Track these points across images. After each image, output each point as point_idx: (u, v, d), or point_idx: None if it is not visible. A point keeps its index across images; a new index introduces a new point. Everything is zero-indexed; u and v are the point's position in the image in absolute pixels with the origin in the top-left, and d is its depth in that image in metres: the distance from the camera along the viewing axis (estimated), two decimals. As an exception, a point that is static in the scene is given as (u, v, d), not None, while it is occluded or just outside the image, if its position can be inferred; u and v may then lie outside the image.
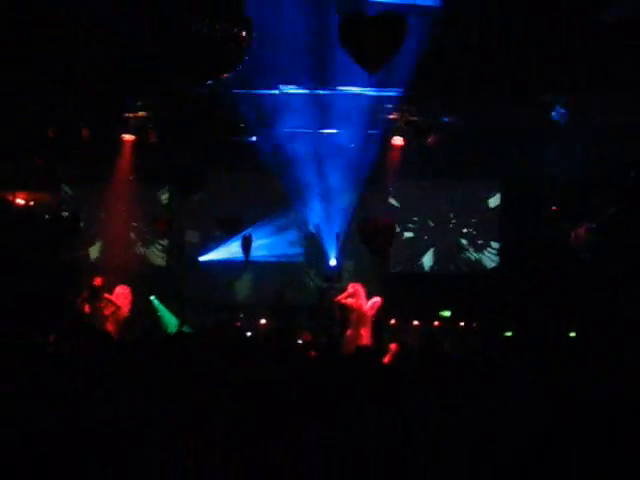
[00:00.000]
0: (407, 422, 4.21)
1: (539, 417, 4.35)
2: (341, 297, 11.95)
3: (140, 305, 13.66)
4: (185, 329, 12.81)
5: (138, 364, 4.97)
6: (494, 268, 15.80)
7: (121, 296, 12.73)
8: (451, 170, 15.15)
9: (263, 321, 14.37)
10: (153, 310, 14.64)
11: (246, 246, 11.77)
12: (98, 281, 12.76)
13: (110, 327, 12.11)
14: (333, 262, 14.91)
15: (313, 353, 6.42)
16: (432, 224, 16.27)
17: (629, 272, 12.10)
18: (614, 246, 12.55)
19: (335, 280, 14.62)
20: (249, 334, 11.84)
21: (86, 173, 15.56)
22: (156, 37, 9.88)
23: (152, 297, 14.58)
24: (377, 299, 11.94)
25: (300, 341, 9.82)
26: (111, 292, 12.70)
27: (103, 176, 15.10)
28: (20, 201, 15.25)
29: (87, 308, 12.38)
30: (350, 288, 12.00)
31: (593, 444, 3.95)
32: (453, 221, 16.23)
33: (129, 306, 12.76)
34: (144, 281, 14.42)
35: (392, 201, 16.10)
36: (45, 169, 14.73)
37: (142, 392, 4.23)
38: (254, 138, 13.79)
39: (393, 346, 8.18)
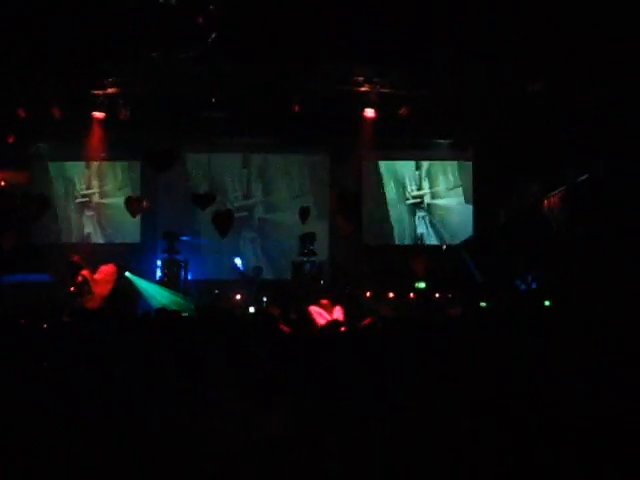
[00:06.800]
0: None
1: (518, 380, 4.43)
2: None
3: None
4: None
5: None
6: (468, 239, 15.85)
7: (105, 274, 12.83)
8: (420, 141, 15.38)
9: (238, 297, 14.30)
10: (131, 285, 14.49)
11: None
12: (75, 259, 12.80)
13: (92, 304, 12.11)
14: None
15: (285, 328, 6.33)
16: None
17: (601, 240, 12.11)
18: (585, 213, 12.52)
19: (309, 254, 14.55)
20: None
21: (57, 151, 15.54)
22: (125, 12, 9.79)
23: (127, 273, 14.40)
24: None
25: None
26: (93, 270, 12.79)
27: (75, 154, 15.07)
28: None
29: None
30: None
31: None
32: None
33: (112, 284, 12.86)
34: (120, 258, 14.44)
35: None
36: (16, 148, 14.58)
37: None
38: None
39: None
